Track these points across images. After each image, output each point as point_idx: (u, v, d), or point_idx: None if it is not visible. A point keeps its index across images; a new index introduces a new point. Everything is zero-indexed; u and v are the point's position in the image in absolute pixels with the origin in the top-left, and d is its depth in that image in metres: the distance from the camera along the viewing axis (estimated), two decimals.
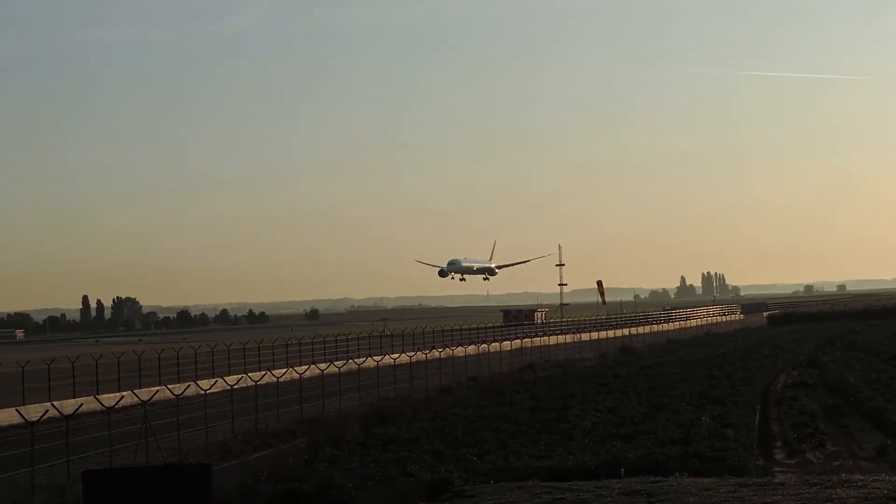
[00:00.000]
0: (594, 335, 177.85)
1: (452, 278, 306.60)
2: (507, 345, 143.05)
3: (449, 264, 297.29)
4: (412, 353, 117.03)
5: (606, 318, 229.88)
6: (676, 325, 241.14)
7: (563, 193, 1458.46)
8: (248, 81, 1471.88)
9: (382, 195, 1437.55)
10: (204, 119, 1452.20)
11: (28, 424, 52.90)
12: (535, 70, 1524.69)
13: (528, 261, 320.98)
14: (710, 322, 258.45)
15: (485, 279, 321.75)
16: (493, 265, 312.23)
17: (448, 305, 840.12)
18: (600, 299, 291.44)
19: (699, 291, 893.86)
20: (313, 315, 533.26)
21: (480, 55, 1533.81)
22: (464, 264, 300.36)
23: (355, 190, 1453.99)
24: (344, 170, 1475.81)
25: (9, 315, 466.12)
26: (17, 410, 67.47)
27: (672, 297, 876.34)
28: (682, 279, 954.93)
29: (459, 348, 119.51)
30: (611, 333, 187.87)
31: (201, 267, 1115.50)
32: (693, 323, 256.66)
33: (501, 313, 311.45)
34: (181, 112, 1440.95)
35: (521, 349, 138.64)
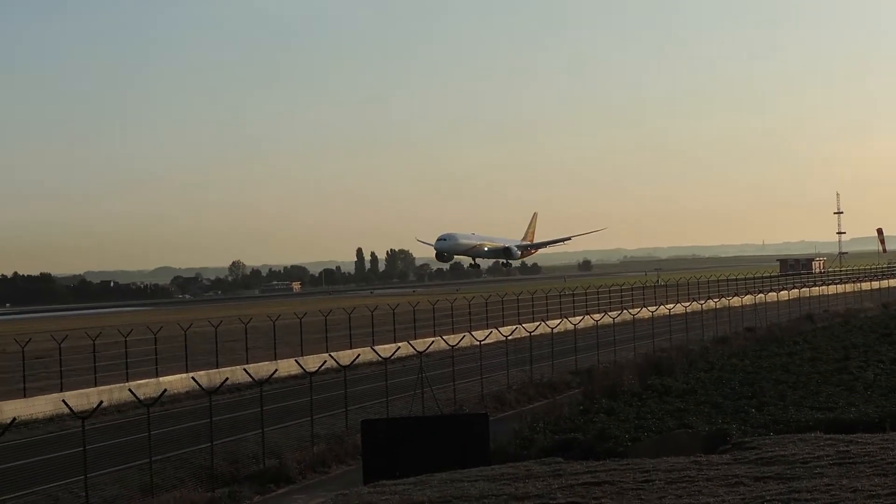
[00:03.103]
0: (874, 284, 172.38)
1: (445, 260, 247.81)
2: (783, 295, 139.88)
3: (439, 241, 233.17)
4: (687, 304, 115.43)
5: (888, 267, 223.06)
6: None
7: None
8: None
9: (645, 146, 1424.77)
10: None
11: (307, 375, 53.77)
12: None
13: (570, 238, 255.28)
14: None
15: (503, 265, 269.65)
16: (512, 244, 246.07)
17: (722, 255, 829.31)
18: (880, 247, 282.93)
19: None
20: (585, 266, 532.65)
21: None
22: (461, 241, 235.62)
23: (623, 142, 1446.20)
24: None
25: (286, 268, 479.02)
26: (296, 361, 68.85)
27: None
28: None
29: (735, 298, 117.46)
30: (893, 283, 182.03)
31: (476, 216, 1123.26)
32: None
33: (777, 263, 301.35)
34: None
35: (798, 299, 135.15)
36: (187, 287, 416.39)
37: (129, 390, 54.56)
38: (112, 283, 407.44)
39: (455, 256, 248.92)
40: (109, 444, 47.99)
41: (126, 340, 77.67)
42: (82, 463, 36.94)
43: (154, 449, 39.87)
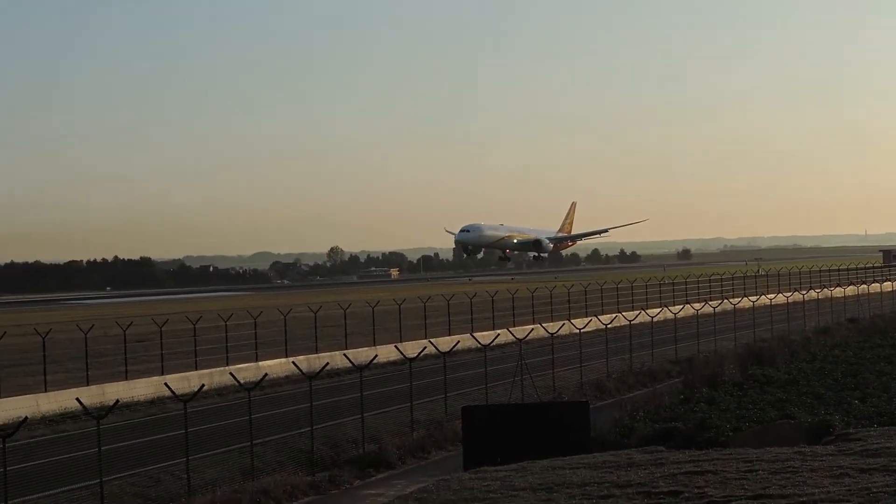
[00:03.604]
0: None
1: (468, 254, 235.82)
2: (888, 286, 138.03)
3: (461, 232, 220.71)
4: (788, 294, 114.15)
5: None
6: None
7: None
8: None
9: (749, 137, 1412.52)
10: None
11: (406, 360, 53.83)
12: None
13: (608, 230, 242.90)
14: None
15: (535, 258, 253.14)
16: (544, 235, 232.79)
17: (823, 245, 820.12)
18: None
19: None
20: (685, 254, 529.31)
21: None
22: (487, 232, 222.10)
23: (725, 132, 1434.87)
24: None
25: (384, 254, 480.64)
26: (395, 347, 68.84)
27: None
28: None
29: (837, 289, 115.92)
30: None
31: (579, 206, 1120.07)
32: None
33: (881, 253, 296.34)
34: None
35: None
36: (286, 272, 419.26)
37: (231, 374, 54.98)
38: (211, 268, 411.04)
39: (483, 249, 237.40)
40: (210, 428, 48.31)
41: (226, 325, 78.23)
42: (184, 445, 37.24)
43: (255, 432, 40.08)
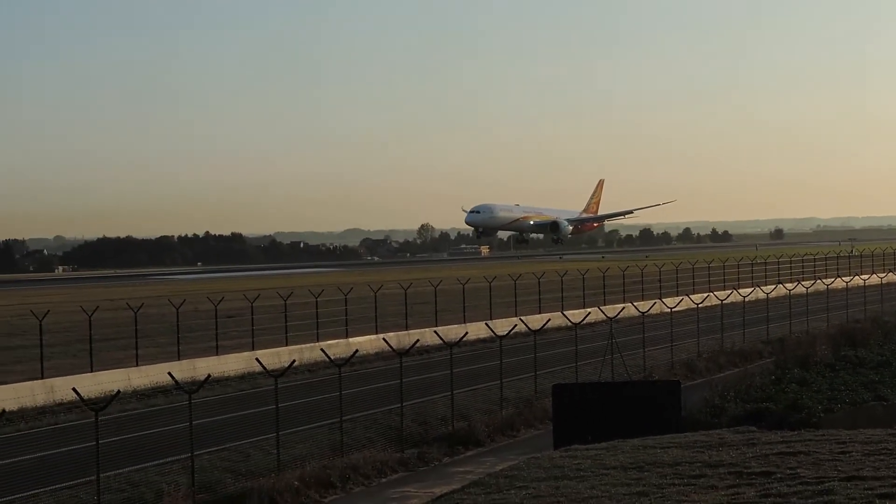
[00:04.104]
0: None
1: (482, 234, 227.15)
2: None
3: (471, 213, 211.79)
4: (882, 275, 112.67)
5: None
6: None
7: None
8: None
9: (847, 114, 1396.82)
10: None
11: (496, 338, 53.76)
12: None
13: (632, 212, 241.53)
14: None
15: (554, 241, 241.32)
16: (563, 218, 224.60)
17: None
18: None
19: None
20: (777, 234, 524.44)
21: None
22: (500, 213, 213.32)
23: (821, 108, 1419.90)
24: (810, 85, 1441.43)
25: (472, 232, 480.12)
26: (486, 324, 68.77)
27: None
28: None
29: None
30: None
31: (665, 185, 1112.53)
32: None
33: None
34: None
35: None
36: (375, 249, 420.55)
37: (322, 350, 55.12)
38: (301, 244, 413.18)
39: (498, 231, 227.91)
40: (300, 403, 48.52)
41: (317, 301, 78.57)
42: (273, 420, 37.39)
43: (344, 408, 40.17)
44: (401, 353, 44.01)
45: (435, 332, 65.35)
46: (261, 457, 38.48)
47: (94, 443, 31.04)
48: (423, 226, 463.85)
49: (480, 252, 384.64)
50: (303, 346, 69.98)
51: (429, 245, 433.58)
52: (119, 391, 35.05)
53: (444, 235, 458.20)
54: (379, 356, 68.97)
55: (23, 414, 50.56)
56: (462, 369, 51.86)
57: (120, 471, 35.93)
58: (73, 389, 37.10)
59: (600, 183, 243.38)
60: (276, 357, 63.56)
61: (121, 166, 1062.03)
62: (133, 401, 54.13)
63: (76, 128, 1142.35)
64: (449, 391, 45.55)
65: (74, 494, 32.97)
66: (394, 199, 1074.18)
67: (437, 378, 53.04)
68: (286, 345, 71.07)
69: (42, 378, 57.15)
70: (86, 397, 36.16)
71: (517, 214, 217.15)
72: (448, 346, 47.95)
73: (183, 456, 36.18)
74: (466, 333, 62.89)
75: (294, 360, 47.39)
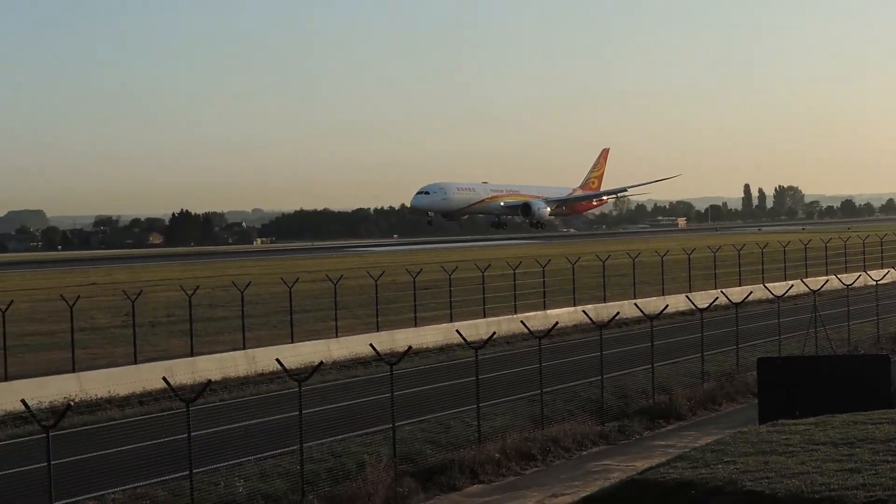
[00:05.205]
0: None
1: (431, 222, 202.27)
2: None
3: (418, 195, 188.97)
4: None
5: None
6: None
7: None
8: None
9: None
10: None
11: (696, 311, 52.97)
12: None
13: (625, 189, 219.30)
14: None
15: (532, 225, 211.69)
16: (539, 200, 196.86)
17: None
18: None
19: None
20: None
21: None
22: (454, 195, 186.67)
23: None
24: None
25: (671, 203, 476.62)
26: (686, 297, 67.98)
27: None
28: None
29: None
30: None
31: (866, 154, 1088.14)
32: None
33: None
34: None
35: None
36: (572, 221, 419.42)
37: (522, 322, 54.94)
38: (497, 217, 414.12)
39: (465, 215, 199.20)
40: (499, 375, 48.40)
41: (514, 273, 78.52)
42: (473, 392, 37.27)
43: (544, 380, 39.89)
44: (601, 326, 43.54)
45: (635, 304, 64.66)
46: (461, 428, 38.39)
47: (297, 412, 31.26)
48: (618, 197, 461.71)
49: (678, 224, 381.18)
50: (500, 318, 69.92)
51: (625, 217, 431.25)
52: (321, 362, 35.22)
53: (640, 207, 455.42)
54: (577, 328, 68.59)
55: (226, 384, 51.43)
56: (661, 342, 51.05)
57: (322, 441, 36.18)
58: (277, 360, 37.48)
59: (604, 153, 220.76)
60: (473, 329, 63.63)
61: (316, 142, 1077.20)
62: (333, 371, 54.61)
63: (279, 103, 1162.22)
64: (648, 364, 44.96)
65: (278, 464, 33.28)
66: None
67: (637, 351, 52.41)
68: (483, 317, 71.09)
69: (244, 349, 58.08)
70: (287, 368, 36.46)
71: (482, 195, 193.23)
72: (648, 318, 47.30)
73: (384, 427, 36.32)
74: (667, 306, 62.03)
75: (494, 333, 47.19)
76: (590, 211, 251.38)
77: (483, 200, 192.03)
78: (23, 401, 29.40)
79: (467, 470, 33.89)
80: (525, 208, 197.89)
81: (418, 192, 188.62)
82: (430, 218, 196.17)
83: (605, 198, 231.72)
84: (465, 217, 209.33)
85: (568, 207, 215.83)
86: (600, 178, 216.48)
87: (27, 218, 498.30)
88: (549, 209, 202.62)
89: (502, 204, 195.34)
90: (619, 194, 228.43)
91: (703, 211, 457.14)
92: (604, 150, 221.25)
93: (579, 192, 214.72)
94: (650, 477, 26.05)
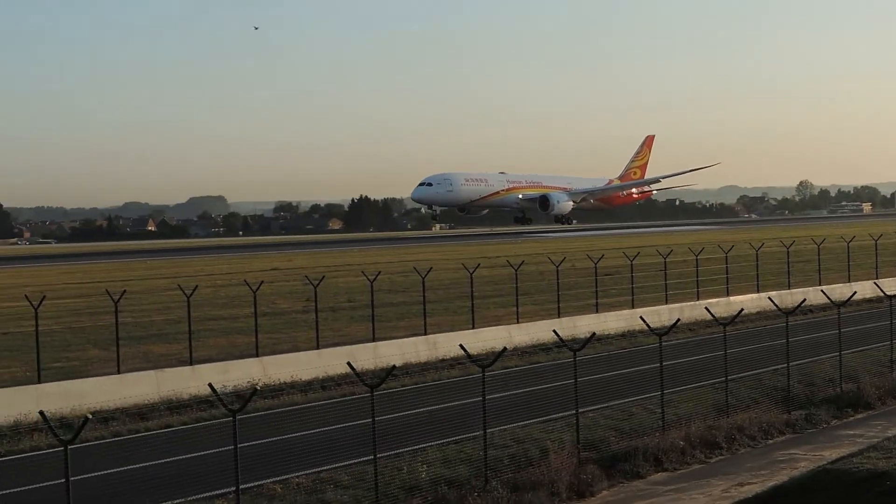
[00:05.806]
0: None
1: (436, 216, 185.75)
2: None
3: (419, 187, 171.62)
4: None
5: None
6: None
7: None
8: None
9: None
10: None
11: (885, 298, 51.80)
12: None
13: (658, 180, 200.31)
14: None
15: (557, 220, 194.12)
16: (559, 192, 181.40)
17: None
18: None
19: None
20: None
21: None
22: (459, 187, 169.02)
23: None
24: None
25: (855, 188, 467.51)
26: (874, 283, 66.56)
27: None
28: None
29: None
30: None
31: None
32: None
33: None
34: None
35: None
36: (753, 206, 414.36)
37: (706, 308, 54.27)
38: (677, 202, 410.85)
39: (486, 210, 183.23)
40: (682, 362, 47.87)
41: (697, 259, 77.53)
42: (657, 379, 36.90)
43: (728, 368, 39.32)
44: (787, 313, 42.79)
45: (821, 290, 63.40)
46: (644, 415, 38.06)
47: (479, 398, 31.26)
48: (801, 182, 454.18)
49: (862, 209, 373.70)
50: (683, 304, 69.18)
51: (808, 202, 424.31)
52: (505, 348, 35.13)
53: (824, 192, 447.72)
54: (761, 315, 67.61)
55: (407, 369, 51.61)
56: (849, 329, 49.98)
57: (504, 427, 36.14)
58: (461, 346, 37.48)
59: (647, 140, 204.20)
60: (656, 315, 63.09)
61: (497, 126, 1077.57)
62: (515, 357, 54.53)
63: (476, 87, 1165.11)
64: (835, 352, 44.06)
65: (460, 449, 33.34)
66: (771, 157, 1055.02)
67: (823, 338, 51.42)
68: (666, 303, 70.42)
69: (425, 334, 58.28)
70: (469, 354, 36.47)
71: (496, 186, 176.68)
72: (835, 305, 46.33)
73: (567, 413, 36.14)
74: (855, 293, 60.65)
75: (678, 319, 46.63)
76: (631, 203, 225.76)
77: (498, 192, 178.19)
78: (210, 385, 29.89)
79: (651, 457, 33.55)
80: (543, 201, 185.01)
81: (420, 184, 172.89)
82: (434, 213, 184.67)
83: (649, 189, 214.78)
84: (486, 211, 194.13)
85: (599, 199, 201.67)
86: (643, 167, 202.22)
87: (209, 204, 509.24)
88: (570, 202, 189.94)
89: (521, 196, 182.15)
90: (651, 185, 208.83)
91: (888, 196, 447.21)
92: (648, 136, 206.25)
93: (617, 183, 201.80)
94: (842, 467, 25.54)
